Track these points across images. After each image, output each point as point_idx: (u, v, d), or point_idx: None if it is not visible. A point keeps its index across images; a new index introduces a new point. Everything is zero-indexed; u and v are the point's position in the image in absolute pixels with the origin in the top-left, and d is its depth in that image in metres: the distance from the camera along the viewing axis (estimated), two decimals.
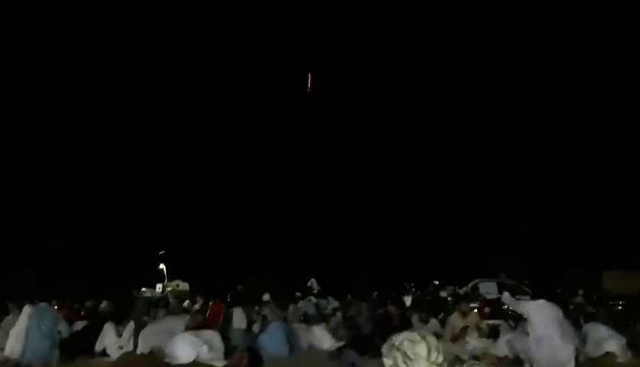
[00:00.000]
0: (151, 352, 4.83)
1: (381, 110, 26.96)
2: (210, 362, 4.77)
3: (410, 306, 8.14)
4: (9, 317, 7.46)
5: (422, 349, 2.24)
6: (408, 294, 8.62)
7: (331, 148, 25.92)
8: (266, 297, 11.19)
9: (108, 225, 23.01)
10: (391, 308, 6.95)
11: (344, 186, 26.11)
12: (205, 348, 5.52)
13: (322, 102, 26.47)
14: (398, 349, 2.27)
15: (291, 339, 6.98)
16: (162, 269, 18.20)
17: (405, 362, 2.21)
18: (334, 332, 7.79)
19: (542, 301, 5.51)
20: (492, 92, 25.08)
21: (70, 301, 12.25)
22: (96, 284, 15.62)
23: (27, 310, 6.10)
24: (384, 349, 2.39)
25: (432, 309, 8.17)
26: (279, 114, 27.20)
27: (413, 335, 2.38)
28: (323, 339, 7.42)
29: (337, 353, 6.09)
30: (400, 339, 2.36)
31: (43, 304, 6.41)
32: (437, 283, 14.34)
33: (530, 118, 25.05)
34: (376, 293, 10.97)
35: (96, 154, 23.59)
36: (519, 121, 25.11)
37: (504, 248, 20.40)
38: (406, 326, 5.73)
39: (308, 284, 12.14)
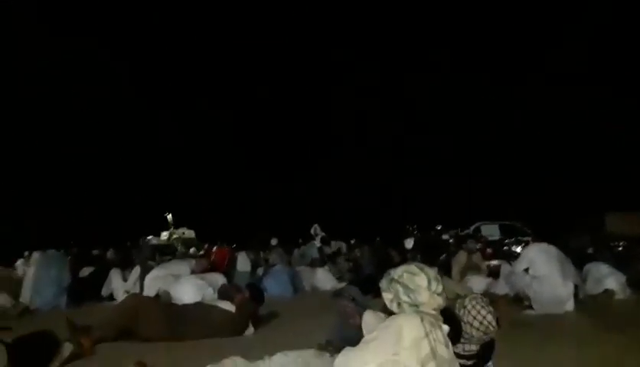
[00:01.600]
0: (157, 295, 4.90)
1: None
2: (214, 303, 4.83)
3: (412, 248, 8.22)
4: (18, 263, 7.59)
5: (422, 279, 2.24)
6: (409, 237, 8.68)
7: (336, 96, 25.62)
8: (274, 241, 11.34)
9: (115, 175, 23.19)
10: (392, 250, 7.03)
11: (348, 132, 25.92)
12: (210, 290, 5.59)
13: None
14: (398, 282, 2.27)
15: (294, 281, 7.13)
16: (168, 217, 18.40)
17: (406, 294, 2.22)
18: (337, 274, 7.93)
19: (544, 244, 5.55)
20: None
21: (78, 249, 12.44)
22: (102, 233, 15.84)
23: (35, 256, 6.18)
24: (383, 283, 2.39)
25: (434, 251, 8.25)
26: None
27: (411, 267, 2.38)
28: (326, 280, 7.56)
29: (339, 292, 6.21)
30: (399, 272, 2.36)
31: (51, 251, 6.49)
32: (439, 227, 14.46)
33: (534, 67, 24.55)
34: (378, 237, 11.10)
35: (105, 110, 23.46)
36: (521, 69, 24.64)
37: (507, 192, 20.47)
38: None
39: (312, 229, 12.24)
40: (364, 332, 2.34)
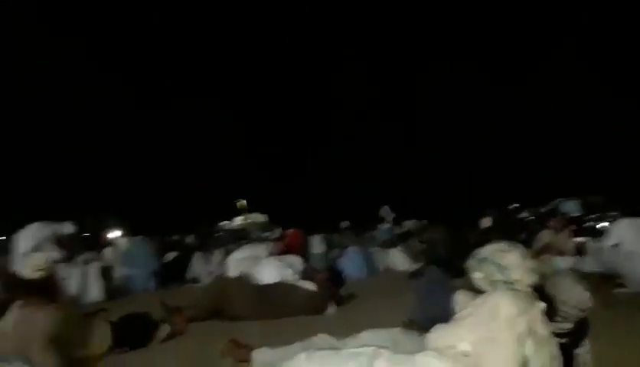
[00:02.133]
0: (240, 276, 5.10)
1: None
2: (293, 282, 4.98)
3: (489, 228, 8.02)
4: (108, 249, 8.13)
5: (514, 257, 2.21)
6: (486, 216, 8.45)
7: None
8: (345, 224, 11.42)
9: (188, 165, 24.06)
10: (468, 230, 6.89)
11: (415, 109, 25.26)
12: (289, 271, 5.73)
13: None
14: (489, 261, 2.24)
15: (369, 263, 7.17)
16: (241, 203, 19.04)
17: (499, 272, 2.19)
18: (410, 256, 7.89)
19: (634, 219, 5.24)
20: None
21: (160, 236, 13.14)
22: (181, 219, 16.56)
23: (125, 242, 6.61)
24: (472, 263, 2.37)
25: (512, 231, 7.99)
26: None
27: (501, 245, 2.34)
28: (400, 261, 7.55)
29: (415, 273, 6.20)
30: (490, 250, 2.32)
31: (139, 237, 6.92)
32: (515, 206, 13.96)
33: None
34: (452, 217, 10.85)
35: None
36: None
37: (586, 167, 19.38)
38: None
39: (381, 211, 12.21)
40: (456, 310, 2.33)
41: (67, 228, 6.34)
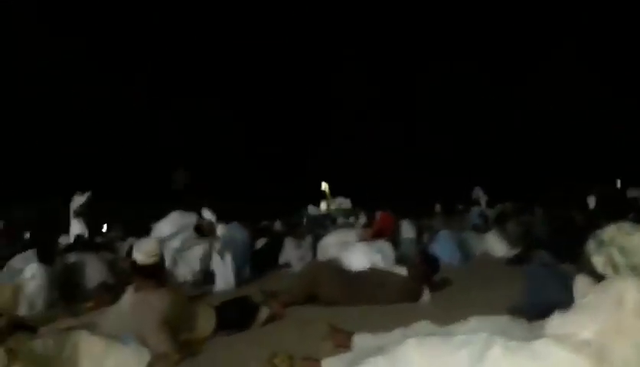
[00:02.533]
0: (331, 262, 5.14)
1: None
2: (386, 268, 4.93)
3: (594, 208, 7.46)
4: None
5: (639, 239, 2.02)
6: (591, 195, 7.84)
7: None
8: (437, 207, 11.17)
9: (273, 153, 24.55)
10: (574, 211, 6.43)
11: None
12: (379, 256, 5.69)
13: None
14: (611, 244, 2.07)
15: (462, 248, 6.94)
16: (325, 188, 19.16)
17: (623, 256, 2.01)
18: (507, 240, 7.54)
19: None
20: None
21: (250, 222, 13.56)
22: (267, 206, 16.97)
23: (221, 228, 6.88)
24: (591, 246, 2.21)
25: (620, 210, 7.38)
26: None
27: (624, 227, 2.16)
28: (496, 246, 7.24)
29: (516, 258, 5.91)
30: (611, 232, 2.15)
31: (234, 223, 7.17)
32: (620, 183, 12.94)
33: None
34: (552, 197, 10.22)
35: None
36: None
37: None
38: (593, 230, 5.23)
39: (473, 194, 11.78)
40: (576, 296, 2.17)
41: (207, 214, 6.77)
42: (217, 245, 6.24)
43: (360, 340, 2.89)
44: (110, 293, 5.14)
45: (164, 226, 6.75)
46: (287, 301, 4.37)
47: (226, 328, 3.61)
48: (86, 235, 8.96)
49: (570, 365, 1.76)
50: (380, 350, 2.34)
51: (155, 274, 3.23)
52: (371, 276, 4.62)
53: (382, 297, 4.40)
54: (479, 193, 11.70)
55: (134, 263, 3.26)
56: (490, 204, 11.33)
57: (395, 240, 6.70)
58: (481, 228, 8.59)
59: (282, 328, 3.76)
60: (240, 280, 6.58)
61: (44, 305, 5.14)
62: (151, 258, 3.19)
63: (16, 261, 6.01)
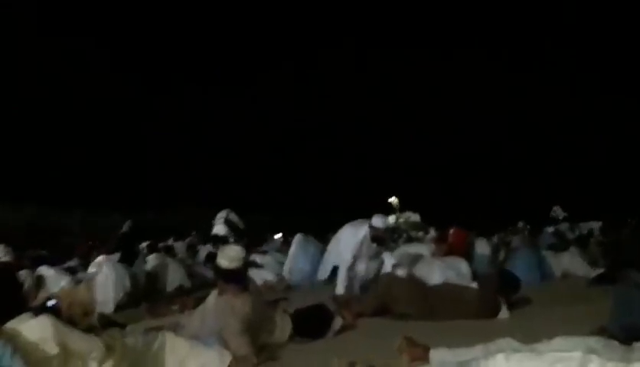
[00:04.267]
0: (406, 275, 5.09)
1: None
2: (462, 284, 4.83)
3: None
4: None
5: None
6: None
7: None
8: (520, 224, 10.81)
9: (339, 166, 24.60)
10: None
11: None
12: (453, 272, 5.58)
13: None
14: None
15: (541, 266, 6.65)
16: (393, 201, 18.99)
17: None
18: (587, 260, 7.16)
19: None
20: None
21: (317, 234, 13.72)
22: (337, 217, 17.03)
23: (297, 238, 7.05)
24: None
25: None
26: None
27: None
28: (577, 265, 6.88)
29: (601, 278, 5.60)
30: None
31: (309, 235, 7.38)
32: None
33: None
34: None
35: None
36: None
37: None
38: None
39: (552, 212, 11.28)
40: None
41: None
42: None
43: (438, 355, 2.85)
44: (188, 296, 5.40)
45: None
46: (358, 312, 4.38)
47: (301, 334, 3.68)
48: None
49: None
50: (463, 365, 2.30)
51: (238, 279, 3.36)
52: (447, 291, 4.54)
53: (458, 312, 4.31)
54: (558, 212, 11.19)
55: (218, 268, 3.40)
56: (571, 222, 10.79)
57: (469, 257, 6.54)
58: (560, 247, 8.20)
59: (356, 338, 3.78)
60: (312, 287, 6.72)
61: (115, 302, 5.46)
62: (234, 263, 3.32)
63: (99, 262, 6.39)
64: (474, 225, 8.23)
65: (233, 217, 9.99)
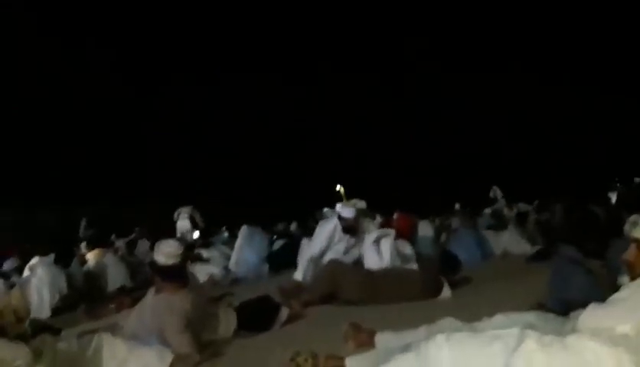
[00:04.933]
0: (350, 261, 5.09)
1: None
2: (404, 267, 4.89)
3: (616, 203, 7.32)
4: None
5: None
6: (613, 190, 7.70)
7: None
8: (457, 206, 11.08)
9: (282, 152, 24.45)
10: (595, 206, 6.30)
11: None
12: (397, 255, 5.64)
13: None
14: None
15: (481, 246, 6.86)
16: (340, 190, 19.14)
17: None
18: (526, 237, 7.45)
19: None
20: None
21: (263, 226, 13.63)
22: (283, 209, 16.99)
23: (243, 230, 6.94)
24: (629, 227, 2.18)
25: None
26: None
27: None
28: (516, 244, 7.14)
29: (538, 255, 5.83)
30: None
31: (255, 227, 7.27)
32: None
33: None
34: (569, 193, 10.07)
35: None
36: None
37: None
38: (616, 224, 5.16)
39: (491, 193, 11.67)
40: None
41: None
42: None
43: (384, 339, 2.85)
44: (130, 296, 5.20)
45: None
46: (306, 301, 4.35)
47: (247, 328, 3.60)
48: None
49: (608, 358, 1.71)
50: (406, 347, 2.30)
51: (176, 275, 3.23)
52: (391, 274, 4.57)
53: (401, 294, 4.36)
54: (497, 192, 11.58)
55: (154, 264, 3.26)
56: (508, 203, 11.20)
57: (413, 239, 6.64)
58: (498, 227, 8.49)
59: (302, 328, 3.74)
60: (259, 278, 6.63)
61: (50, 305, 5.21)
62: (171, 259, 3.19)
63: (33, 265, 6.06)
64: (416, 210, 8.37)
65: (196, 213, 9.74)
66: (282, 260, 7.41)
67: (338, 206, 6.03)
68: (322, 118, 25.30)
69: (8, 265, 7.59)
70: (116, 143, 20.66)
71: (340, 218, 5.56)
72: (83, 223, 10.02)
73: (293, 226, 12.74)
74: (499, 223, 8.93)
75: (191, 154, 22.02)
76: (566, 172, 18.92)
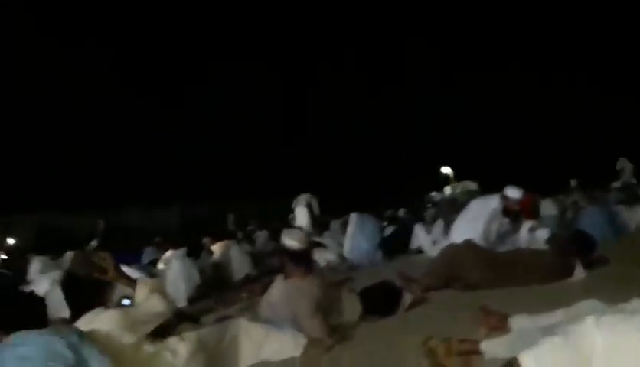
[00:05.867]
0: (471, 243, 4.92)
1: None
2: (531, 247, 4.66)
3: None
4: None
5: None
6: None
7: None
8: (573, 182, 10.35)
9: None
10: None
11: None
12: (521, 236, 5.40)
13: None
14: None
15: (614, 222, 6.33)
16: (447, 173, 18.65)
17: None
18: None
19: None
20: None
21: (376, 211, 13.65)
22: (392, 194, 16.93)
23: (353, 217, 7.03)
24: None
25: None
26: None
27: None
28: None
29: None
30: None
31: (366, 214, 7.35)
32: None
33: None
34: None
35: None
36: None
37: None
38: None
39: (618, 165, 10.67)
40: None
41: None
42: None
43: (518, 322, 2.74)
44: (255, 283, 5.48)
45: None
46: (426, 285, 4.29)
47: (371, 313, 3.64)
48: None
49: None
50: (546, 331, 2.19)
51: (305, 260, 3.35)
52: (518, 256, 4.38)
53: (529, 276, 4.15)
54: (625, 164, 10.57)
55: (284, 250, 3.38)
56: (637, 174, 10.20)
57: (537, 219, 6.29)
58: (630, 201, 7.77)
59: (427, 312, 3.70)
60: (373, 265, 6.68)
61: (186, 296, 5.60)
62: (300, 244, 3.31)
63: (167, 258, 6.61)
64: (537, 187, 7.92)
65: (313, 201, 9.73)
66: (395, 246, 7.41)
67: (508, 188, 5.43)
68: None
69: (146, 257, 8.34)
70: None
71: (502, 196, 5.16)
72: (232, 218, 10.49)
73: (401, 212, 12.71)
74: (631, 197, 8.19)
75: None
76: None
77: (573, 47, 22.80)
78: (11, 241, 11.24)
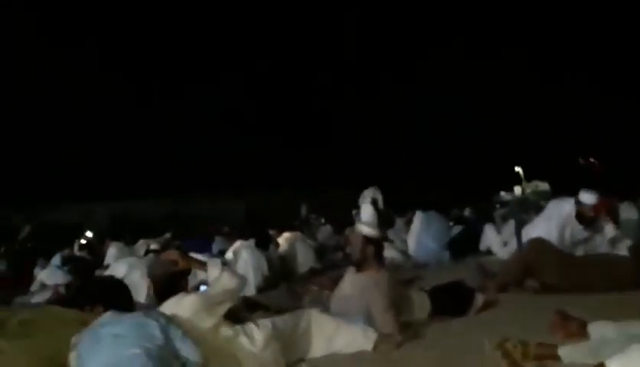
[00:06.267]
0: (550, 244, 4.72)
1: None
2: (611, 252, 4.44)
3: None
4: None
5: None
6: None
7: None
8: None
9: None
10: None
11: None
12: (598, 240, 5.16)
13: None
14: None
15: None
16: (518, 171, 17.97)
17: None
18: None
19: None
20: None
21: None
22: (458, 194, 16.56)
23: (419, 215, 6.98)
24: None
25: None
26: None
27: None
28: None
29: None
30: None
31: (432, 211, 7.26)
32: None
33: None
34: None
35: None
36: None
37: None
38: None
39: None
40: None
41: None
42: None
43: (598, 329, 2.64)
44: (325, 275, 5.57)
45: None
46: (500, 284, 4.20)
47: (440, 313, 3.61)
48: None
49: None
50: (632, 339, 2.12)
51: (379, 250, 3.37)
52: (597, 260, 4.20)
53: (609, 282, 3.97)
54: None
55: (365, 237, 3.42)
56: None
57: (616, 223, 5.98)
58: None
59: (500, 315, 3.63)
60: (440, 265, 6.59)
61: (255, 285, 5.77)
62: (375, 231, 3.34)
63: (237, 248, 6.82)
64: (614, 190, 7.51)
65: (378, 196, 9.61)
66: (464, 246, 7.27)
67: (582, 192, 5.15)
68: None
69: (216, 247, 8.66)
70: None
71: (577, 202, 4.97)
72: (305, 207, 10.60)
73: (467, 211, 12.40)
74: None
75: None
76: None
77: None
78: (89, 233, 11.97)
